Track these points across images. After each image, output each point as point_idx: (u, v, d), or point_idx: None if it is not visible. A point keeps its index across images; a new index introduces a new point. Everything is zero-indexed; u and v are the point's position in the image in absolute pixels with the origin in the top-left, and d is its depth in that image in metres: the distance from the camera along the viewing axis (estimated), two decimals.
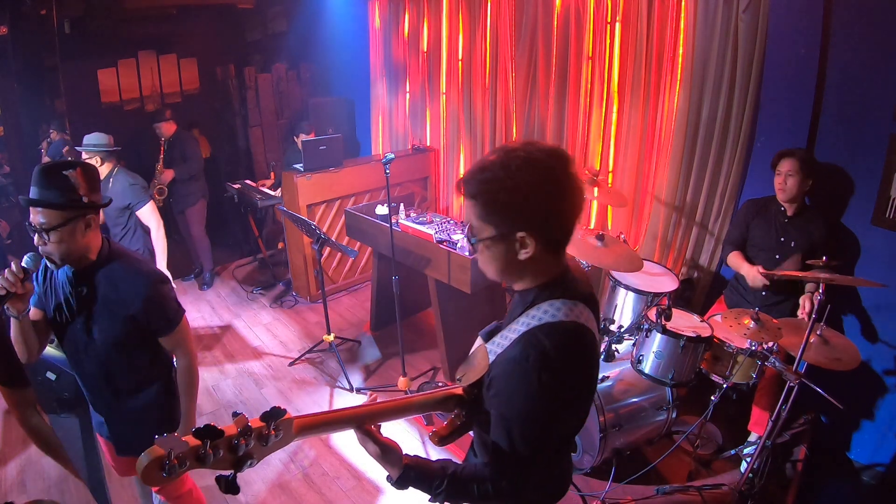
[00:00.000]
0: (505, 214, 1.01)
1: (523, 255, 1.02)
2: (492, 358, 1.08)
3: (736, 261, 2.72)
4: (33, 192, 1.46)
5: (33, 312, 1.65)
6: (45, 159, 4.63)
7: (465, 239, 1.10)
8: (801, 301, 2.51)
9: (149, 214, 3.09)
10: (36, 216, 1.46)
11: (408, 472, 1.07)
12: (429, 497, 1.09)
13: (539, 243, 1.02)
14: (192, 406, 1.80)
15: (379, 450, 1.06)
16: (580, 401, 1.09)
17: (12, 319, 1.56)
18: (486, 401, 1.09)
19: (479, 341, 1.23)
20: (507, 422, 1.03)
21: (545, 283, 1.08)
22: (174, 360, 1.83)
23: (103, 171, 3.05)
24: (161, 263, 3.06)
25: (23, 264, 1.48)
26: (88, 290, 1.59)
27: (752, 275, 2.59)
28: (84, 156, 3.03)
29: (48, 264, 1.55)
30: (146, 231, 3.16)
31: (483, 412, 1.10)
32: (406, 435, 2.92)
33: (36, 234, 1.48)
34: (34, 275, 1.63)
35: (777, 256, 2.62)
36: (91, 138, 3.05)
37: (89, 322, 1.61)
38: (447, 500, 1.09)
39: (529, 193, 0.99)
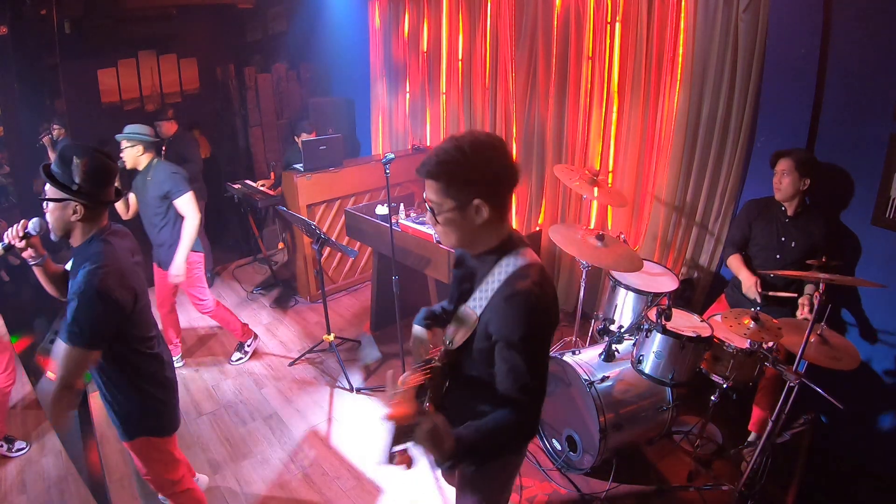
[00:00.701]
0: (462, 187, 1.23)
1: (479, 220, 1.26)
2: (479, 312, 1.28)
3: (736, 264, 2.73)
4: (49, 164, 1.66)
5: (58, 266, 1.87)
6: (52, 155, 4.64)
7: (430, 215, 1.29)
8: (800, 301, 2.51)
9: (186, 204, 3.08)
10: (44, 184, 1.66)
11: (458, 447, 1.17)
12: (447, 465, 1.18)
13: (491, 209, 1.25)
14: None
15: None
16: (553, 328, 1.31)
17: (34, 266, 1.80)
18: (479, 353, 1.30)
19: (418, 328, 1.56)
20: (513, 354, 1.22)
21: (500, 242, 1.31)
22: (141, 362, 1.80)
23: (143, 160, 3.07)
24: (182, 254, 3.04)
25: (29, 225, 1.71)
26: (72, 268, 1.71)
27: (748, 284, 2.61)
28: (125, 144, 3.02)
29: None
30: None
31: (467, 370, 1.34)
32: None
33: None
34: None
35: (778, 256, 2.62)
36: (133, 127, 3.05)
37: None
38: (471, 460, 1.24)
39: (480, 168, 1.23)
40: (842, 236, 2.61)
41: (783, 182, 2.52)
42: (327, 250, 4.39)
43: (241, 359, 3.62)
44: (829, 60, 2.53)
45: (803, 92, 2.62)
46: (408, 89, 5.03)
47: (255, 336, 3.73)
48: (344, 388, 3.30)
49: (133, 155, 3.04)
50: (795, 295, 2.41)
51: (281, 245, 5.29)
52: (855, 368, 2.08)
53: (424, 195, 1.30)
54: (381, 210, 3.57)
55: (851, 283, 2.16)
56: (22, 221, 1.71)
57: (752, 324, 2.16)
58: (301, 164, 4.18)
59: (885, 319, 2.54)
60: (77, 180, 1.61)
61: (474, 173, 1.23)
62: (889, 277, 2.39)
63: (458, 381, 1.39)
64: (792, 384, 2.07)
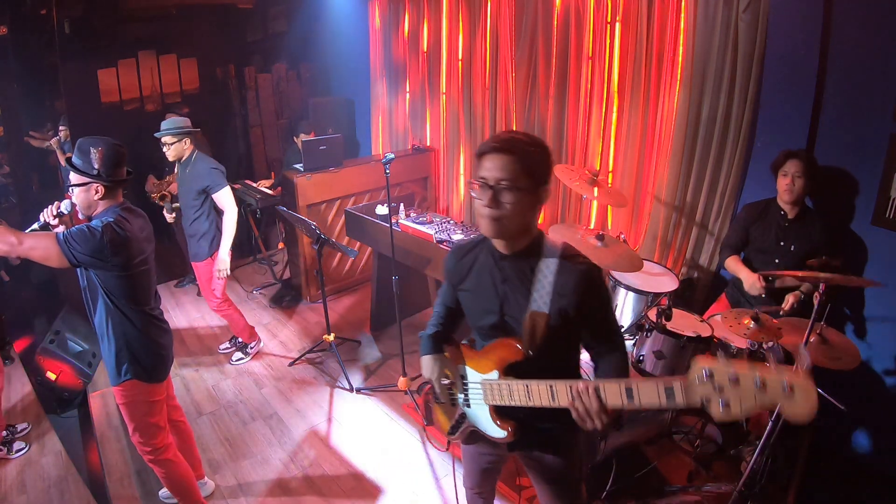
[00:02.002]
0: (537, 169, 1.29)
1: (539, 207, 1.34)
2: (547, 308, 1.32)
3: (734, 265, 2.71)
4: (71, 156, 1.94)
5: None
6: (61, 156, 4.63)
7: (496, 194, 1.27)
8: (786, 296, 2.51)
9: (226, 198, 3.19)
10: (70, 175, 1.93)
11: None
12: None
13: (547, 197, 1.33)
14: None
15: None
16: None
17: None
18: (555, 338, 1.35)
19: (432, 359, 1.56)
20: (605, 315, 1.40)
21: (537, 235, 1.38)
22: (134, 314, 2.02)
23: (188, 152, 3.18)
24: (225, 246, 3.22)
25: (62, 206, 2.00)
26: None
27: (751, 282, 2.57)
28: (170, 139, 3.11)
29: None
30: (220, 214, 3.26)
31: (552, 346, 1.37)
32: (406, 436, 2.92)
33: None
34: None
35: (777, 260, 2.61)
36: (175, 121, 3.14)
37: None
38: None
39: (547, 156, 1.32)
40: (842, 239, 2.60)
41: (797, 184, 2.48)
42: (327, 250, 4.39)
43: (241, 359, 3.64)
44: (829, 60, 2.53)
45: (803, 92, 2.62)
46: (408, 89, 5.03)
47: (259, 340, 3.77)
48: (344, 388, 3.30)
49: (180, 149, 3.14)
50: (800, 274, 2.34)
51: (281, 245, 5.28)
52: (855, 368, 2.08)
53: (479, 176, 1.29)
54: (381, 210, 3.57)
55: (849, 283, 2.16)
56: (55, 202, 1.99)
57: (752, 324, 2.17)
58: (301, 164, 4.18)
59: (886, 319, 2.54)
60: (96, 166, 1.90)
61: (545, 159, 1.31)
62: (889, 277, 2.39)
63: (532, 374, 1.36)
64: None
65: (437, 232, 3.15)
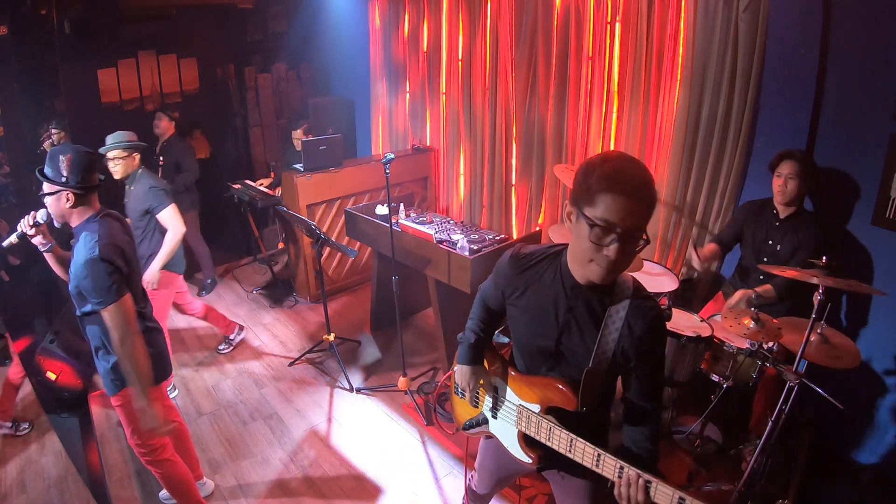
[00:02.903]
0: (651, 214, 1.19)
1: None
2: (606, 364, 1.28)
3: (705, 252, 2.75)
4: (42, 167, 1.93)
5: (65, 252, 2.12)
6: None
7: (626, 243, 1.15)
8: (735, 293, 2.56)
9: (168, 218, 2.95)
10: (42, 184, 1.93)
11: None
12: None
13: None
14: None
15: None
16: None
17: (45, 252, 2.07)
18: (609, 379, 1.34)
19: (468, 370, 1.55)
20: (658, 368, 1.32)
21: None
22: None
23: (132, 168, 2.97)
24: (158, 262, 2.93)
25: (38, 215, 1.97)
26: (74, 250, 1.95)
27: (693, 257, 2.71)
28: (119, 154, 2.92)
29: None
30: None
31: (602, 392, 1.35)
32: (406, 436, 2.92)
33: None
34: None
35: (764, 259, 2.62)
36: (121, 135, 2.94)
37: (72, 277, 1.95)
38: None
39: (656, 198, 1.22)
40: (837, 241, 2.60)
41: (789, 186, 2.48)
42: (327, 250, 4.39)
43: (225, 348, 3.76)
44: (829, 60, 2.53)
45: (803, 92, 2.62)
46: (408, 89, 5.03)
47: (241, 328, 3.85)
48: (344, 388, 3.30)
49: (130, 165, 2.96)
50: (801, 274, 2.29)
51: (281, 245, 5.29)
52: (855, 367, 2.08)
53: (604, 219, 1.12)
54: (381, 210, 3.57)
55: (849, 289, 2.15)
56: (31, 213, 1.97)
57: (752, 324, 2.17)
58: (301, 164, 4.18)
59: (886, 319, 2.54)
60: (64, 174, 1.88)
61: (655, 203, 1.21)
62: (889, 277, 2.39)
63: (572, 421, 1.36)
64: (792, 384, 2.07)
65: (437, 232, 3.15)
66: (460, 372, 1.56)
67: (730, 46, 2.83)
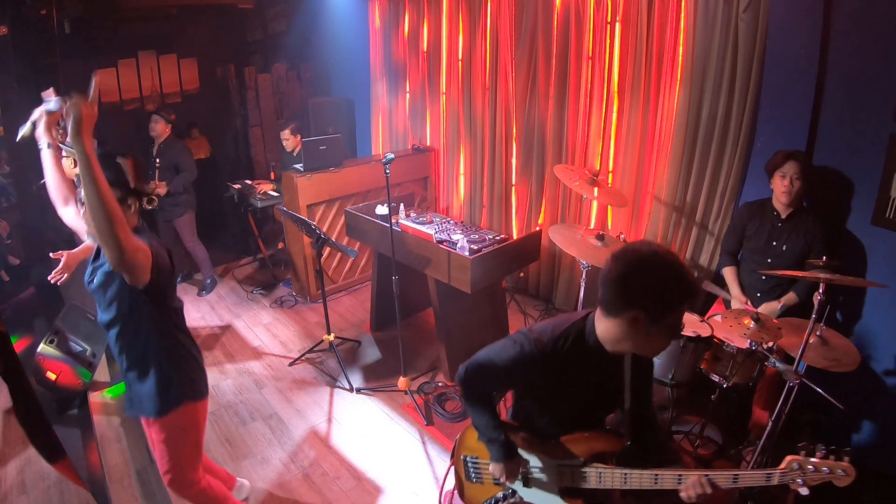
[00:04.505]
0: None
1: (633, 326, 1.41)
2: (631, 403, 1.52)
3: (729, 277, 2.79)
4: None
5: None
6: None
7: None
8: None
9: None
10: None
11: None
12: None
13: None
14: (97, 174, 1.47)
15: None
16: None
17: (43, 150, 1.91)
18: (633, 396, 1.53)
19: (513, 461, 1.59)
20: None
21: None
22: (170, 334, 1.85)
23: (76, 172, 2.83)
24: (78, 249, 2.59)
25: (49, 107, 1.83)
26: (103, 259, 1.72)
27: (736, 302, 2.69)
28: (63, 153, 2.78)
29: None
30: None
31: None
32: (406, 436, 2.92)
33: (82, 206, 1.68)
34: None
35: (769, 260, 2.61)
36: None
37: (108, 285, 1.73)
38: None
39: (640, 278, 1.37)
40: (838, 239, 2.60)
41: (795, 186, 2.48)
42: (327, 250, 4.39)
43: None
44: (829, 60, 2.53)
45: (803, 92, 2.62)
46: (408, 89, 5.03)
47: None
48: (344, 388, 3.30)
49: (69, 165, 2.71)
50: (799, 274, 2.29)
51: (281, 245, 5.28)
52: (854, 369, 2.08)
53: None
54: (381, 210, 3.57)
55: (851, 283, 2.16)
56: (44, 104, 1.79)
57: (752, 324, 2.16)
58: (301, 164, 4.18)
59: (886, 319, 2.54)
60: (129, 178, 1.72)
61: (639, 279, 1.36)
62: (889, 277, 2.39)
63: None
64: (792, 384, 2.07)
65: (437, 232, 3.15)
66: (502, 469, 1.58)
67: (730, 46, 2.83)
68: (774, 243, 2.60)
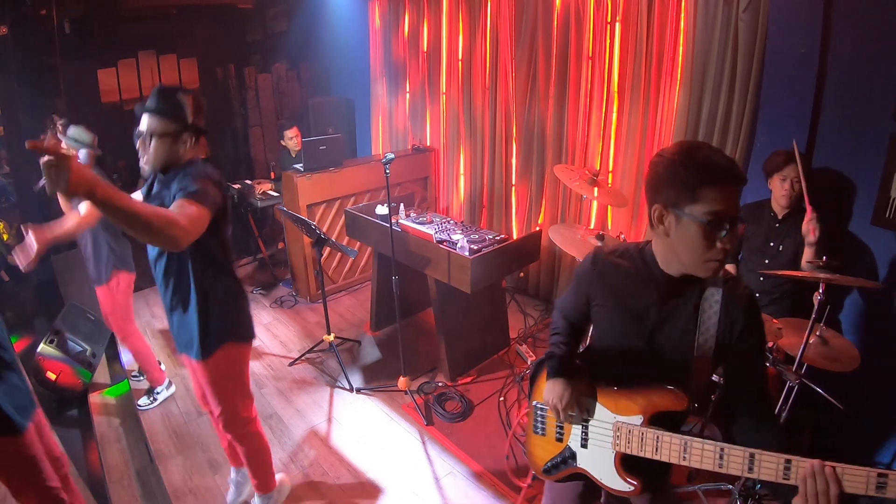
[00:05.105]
0: None
1: None
2: (711, 353, 1.21)
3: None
4: (149, 103, 1.73)
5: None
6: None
7: (735, 235, 1.13)
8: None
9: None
10: (146, 122, 1.71)
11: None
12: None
13: None
14: (116, 195, 1.33)
15: None
16: None
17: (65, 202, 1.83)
18: (720, 359, 1.24)
19: (563, 383, 1.35)
20: (761, 356, 1.23)
21: None
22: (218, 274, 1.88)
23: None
24: (57, 225, 2.50)
25: (70, 132, 1.72)
26: (159, 189, 1.78)
27: None
28: (63, 146, 2.74)
29: (142, 171, 1.80)
30: (109, 231, 2.88)
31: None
32: (406, 436, 2.92)
33: (140, 140, 1.73)
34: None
35: (767, 261, 2.61)
36: (74, 132, 2.77)
37: None
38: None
39: None
40: (837, 240, 2.59)
41: (795, 188, 2.46)
42: (327, 250, 4.39)
43: (148, 404, 3.16)
44: (829, 60, 2.53)
45: (803, 92, 2.62)
46: (408, 89, 5.03)
47: (170, 385, 3.28)
48: (344, 388, 3.30)
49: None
50: (799, 274, 2.21)
51: (281, 245, 5.29)
52: (854, 369, 2.08)
53: (713, 211, 1.11)
54: (381, 210, 3.57)
55: (848, 283, 2.16)
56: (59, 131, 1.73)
57: None
58: (301, 164, 4.18)
59: (885, 319, 2.54)
60: (189, 113, 1.75)
61: None
62: (889, 277, 2.39)
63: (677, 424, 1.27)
64: (792, 384, 2.07)
65: (437, 232, 3.15)
66: (553, 387, 1.36)
67: (730, 46, 2.83)
68: (771, 244, 2.59)
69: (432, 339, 3.74)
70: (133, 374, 3.42)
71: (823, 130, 2.62)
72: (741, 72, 2.81)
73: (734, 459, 1.09)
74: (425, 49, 4.68)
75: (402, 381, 3.18)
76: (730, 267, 2.70)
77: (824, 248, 2.45)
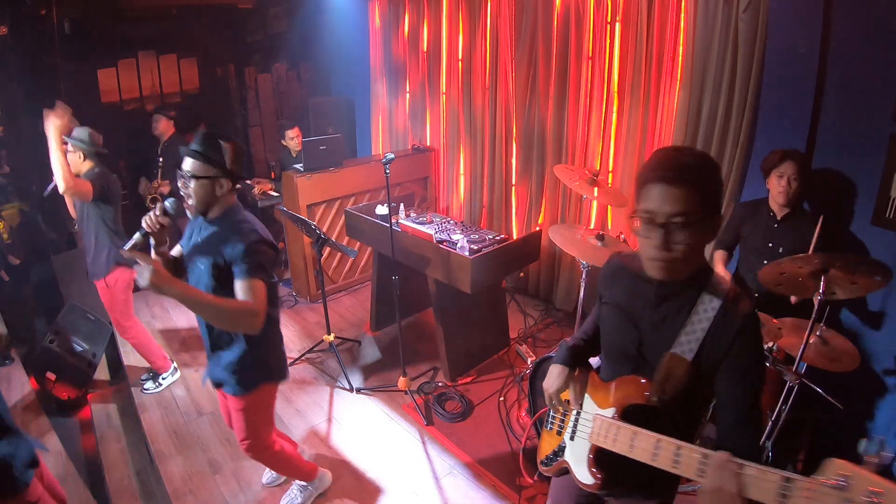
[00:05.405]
0: (714, 199, 1.12)
1: (710, 238, 1.15)
2: (690, 356, 1.16)
3: (716, 259, 2.74)
4: (192, 146, 1.83)
5: (177, 249, 2.04)
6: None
7: (675, 233, 1.09)
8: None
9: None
10: (188, 164, 1.82)
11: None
12: None
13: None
14: (200, 297, 1.68)
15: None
16: None
17: (153, 250, 1.92)
18: (688, 393, 1.19)
19: (563, 369, 1.38)
20: (751, 378, 1.15)
21: (701, 267, 1.20)
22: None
23: (84, 167, 2.90)
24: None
25: (166, 206, 1.81)
26: (204, 235, 1.90)
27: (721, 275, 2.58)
28: (68, 147, 2.85)
29: (187, 212, 1.89)
30: (107, 227, 2.96)
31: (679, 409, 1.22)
32: (406, 436, 2.92)
33: (181, 179, 1.84)
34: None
35: (765, 261, 2.60)
36: (79, 132, 2.88)
37: (196, 260, 1.90)
38: None
39: (718, 175, 1.15)
40: (837, 240, 2.59)
41: (793, 186, 2.45)
42: (327, 250, 4.39)
43: (154, 388, 3.27)
44: (828, 60, 2.53)
45: (803, 92, 2.62)
46: (408, 89, 5.03)
47: (175, 371, 3.40)
48: (344, 388, 3.30)
49: (74, 160, 2.87)
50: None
51: (281, 245, 5.29)
52: (854, 368, 2.08)
53: (644, 210, 1.10)
54: (381, 210, 3.57)
55: (853, 291, 2.16)
56: (157, 205, 1.82)
57: None
58: (301, 164, 4.18)
59: (885, 319, 2.54)
60: (228, 160, 1.85)
61: (720, 188, 1.14)
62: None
63: (653, 424, 1.21)
64: (792, 384, 2.07)
65: (437, 232, 3.15)
66: (550, 373, 1.41)
67: (730, 46, 2.83)
68: (770, 245, 2.58)
69: (432, 339, 3.74)
70: (143, 378, 3.37)
71: (823, 130, 2.62)
72: (741, 72, 2.81)
73: (689, 457, 1.10)
74: (425, 49, 4.68)
75: (402, 381, 3.18)
76: (719, 268, 2.69)
77: (824, 249, 2.45)
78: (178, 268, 2.02)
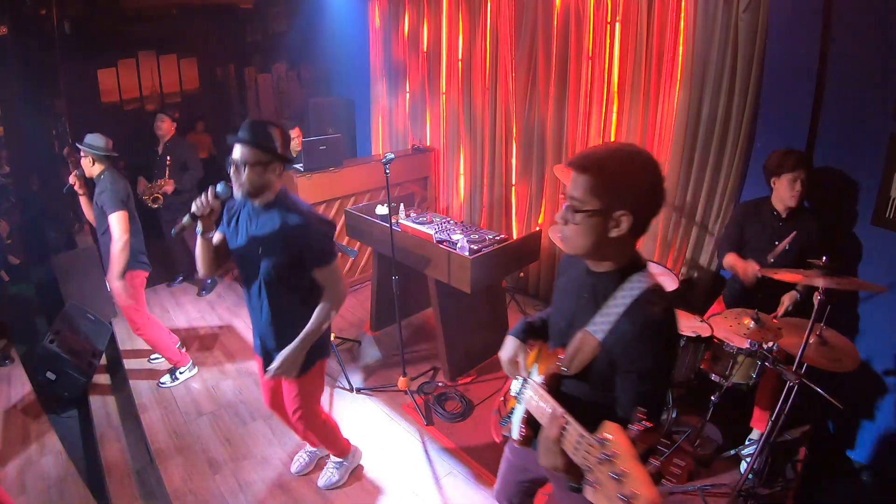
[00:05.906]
0: (611, 191, 1.16)
1: (615, 232, 1.18)
2: (601, 337, 1.20)
3: (732, 259, 2.68)
4: (241, 134, 1.86)
5: (217, 236, 2.06)
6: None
7: (567, 211, 1.21)
8: (781, 298, 2.50)
9: (113, 223, 2.92)
10: (240, 152, 1.85)
11: None
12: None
13: (629, 225, 1.17)
14: (311, 333, 2.01)
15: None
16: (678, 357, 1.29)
17: (199, 236, 1.98)
18: (597, 377, 1.24)
19: (515, 341, 1.49)
20: (643, 383, 1.18)
21: (628, 261, 1.24)
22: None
23: (95, 170, 3.01)
24: (112, 272, 2.94)
25: (217, 190, 1.87)
26: (261, 223, 1.95)
27: (746, 269, 2.49)
28: (80, 154, 3.02)
29: (235, 196, 1.93)
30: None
31: (575, 392, 1.29)
32: (406, 435, 2.92)
33: (234, 167, 1.87)
34: (224, 208, 2.03)
35: (772, 260, 2.61)
36: (90, 139, 3.02)
37: (257, 248, 1.95)
38: None
39: (634, 177, 1.17)
40: (838, 238, 2.60)
41: (804, 189, 2.45)
42: None
43: (171, 383, 3.35)
44: (829, 60, 2.53)
45: (803, 92, 2.62)
46: (408, 89, 5.03)
47: (193, 366, 3.47)
48: (344, 388, 3.30)
49: (86, 165, 3.03)
50: (798, 277, 2.20)
51: None
52: (855, 368, 2.08)
53: (567, 190, 1.22)
54: (381, 210, 3.57)
55: (851, 288, 2.16)
56: (208, 189, 1.87)
57: (752, 324, 2.17)
58: (301, 164, 4.18)
59: (885, 319, 2.54)
60: (277, 144, 1.89)
61: (626, 181, 1.16)
62: (889, 278, 2.39)
63: (564, 404, 1.24)
64: (792, 384, 2.07)
65: (437, 232, 3.15)
66: (504, 343, 1.53)
67: (730, 46, 2.83)
68: (777, 243, 2.59)
69: (432, 339, 3.74)
70: (153, 357, 3.58)
71: (823, 130, 2.62)
72: (741, 72, 2.82)
73: (570, 432, 1.12)
74: (425, 49, 4.68)
75: (402, 381, 3.18)
76: (740, 264, 2.64)
77: (819, 247, 2.45)
78: (219, 254, 2.07)
